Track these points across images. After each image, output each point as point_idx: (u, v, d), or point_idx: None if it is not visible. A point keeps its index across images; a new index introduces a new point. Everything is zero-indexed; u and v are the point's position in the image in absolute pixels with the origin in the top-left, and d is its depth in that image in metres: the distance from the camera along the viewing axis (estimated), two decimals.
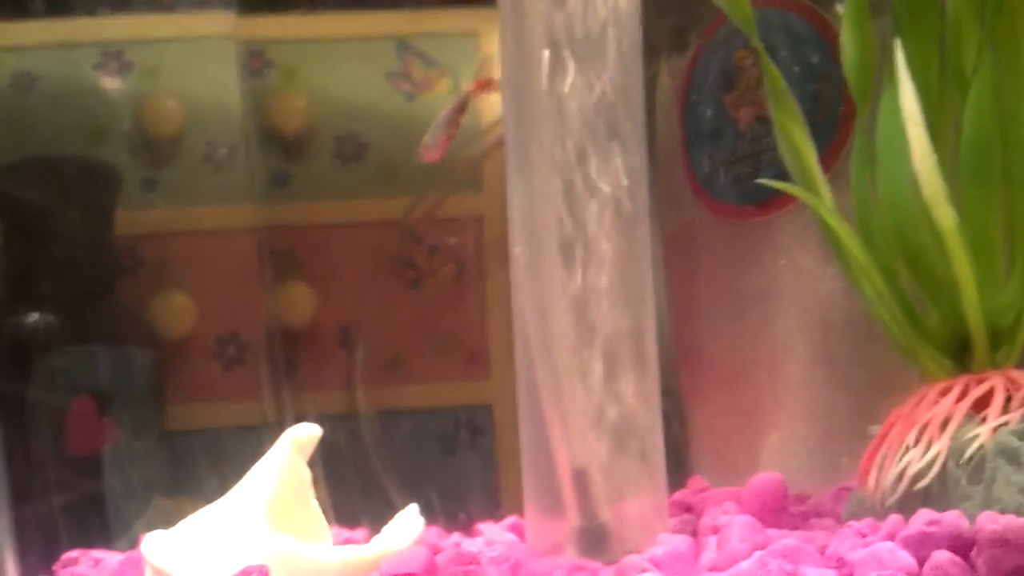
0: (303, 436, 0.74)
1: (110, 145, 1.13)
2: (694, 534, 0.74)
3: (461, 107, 0.96)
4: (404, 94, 1.21)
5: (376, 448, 1.17)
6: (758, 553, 0.62)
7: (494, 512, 0.87)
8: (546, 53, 0.69)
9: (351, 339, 1.19)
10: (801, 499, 0.84)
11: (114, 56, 1.14)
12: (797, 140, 0.75)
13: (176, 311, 1.14)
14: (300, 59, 1.20)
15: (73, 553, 0.86)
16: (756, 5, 0.77)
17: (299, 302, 1.19)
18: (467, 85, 0.98)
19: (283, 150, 1.20)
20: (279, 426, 1.06)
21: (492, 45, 1.21)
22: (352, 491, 1.13)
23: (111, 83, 1.14)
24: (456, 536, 0.83)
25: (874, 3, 0.79)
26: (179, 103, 1.15)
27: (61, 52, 1.13)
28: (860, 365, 0.91)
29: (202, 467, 1.11)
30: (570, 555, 0.70)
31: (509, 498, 1.17)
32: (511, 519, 0.83)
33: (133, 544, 0.85)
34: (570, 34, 0.69)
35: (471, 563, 0.69)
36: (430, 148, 0.97)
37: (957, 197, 0.69)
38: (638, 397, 0.71)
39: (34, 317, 1.06)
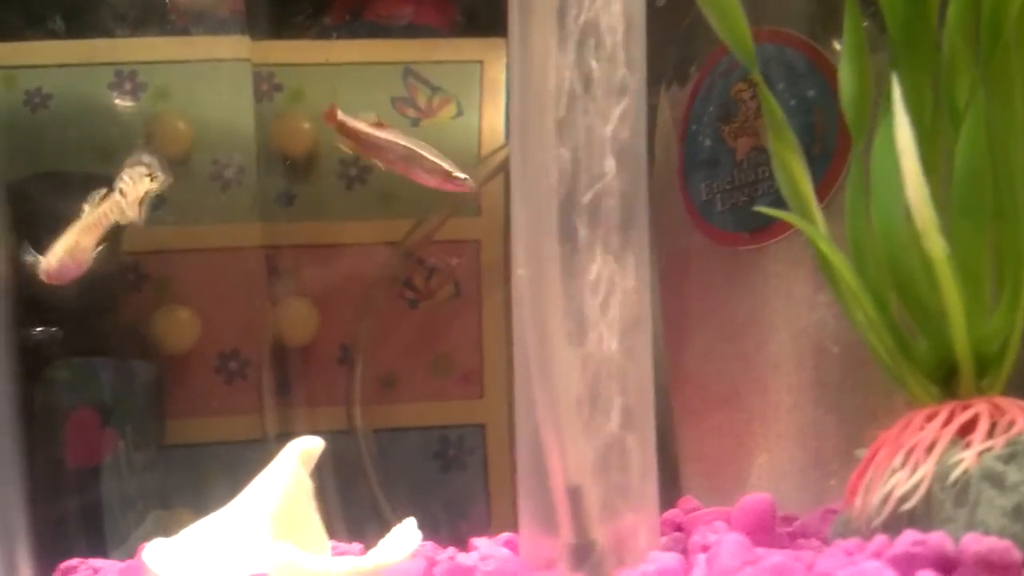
0: (308, 448, 0.76)
1: (120, 162, 1.15)
2: (684, 552, 0.75)
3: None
4: (409, 119, 1.23)
5: (371, 464, 1.18)
6: (748, 569, 0.64)
7: (485, 530, 0.88)
8: (553, 85, 0.71)
9: (350, 357, 1.20)
10: (788, 520, 0.85)
11: (128, 77, 1.16)
12: (794, 169, 0.76)
13: (179, 326, 1.15)
14: (307, 83, 1.22)
15: (72, 561, 0.86)
16: (756, 40, 0.79)
17: (301, 320, 1.20)
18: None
19: (288, 171, 1.21)
20: (278, 441, 1.08)
21: (497, 72, 1.23)
22: (347, 506, 1.14)
23: (123, 102, 1.15)
24: (451, 550, 0.85)
25: (870, 40, 0.82)
26: (188, 124, 1.16)
27: (76, 71, 1.14)
28: (850, 390, 0.92)
29: (201, 480, 1.11)
30: (563, 571, 0.71)
31: (500, 516, 1.18)
32: (506, 535, 0.85)
33: (130, 555, 0.86)
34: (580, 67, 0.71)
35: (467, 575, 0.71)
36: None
37: (948, 228, 0.70)
38: (633, 417, 0.73)
39: (38, 329, 1.07)
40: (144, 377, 1.13)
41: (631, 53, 0.72)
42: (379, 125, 0.99)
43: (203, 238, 1.16)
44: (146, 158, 0.98)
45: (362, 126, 0.99)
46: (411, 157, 0.99)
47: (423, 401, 1.22)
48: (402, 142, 0.99)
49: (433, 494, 1.20)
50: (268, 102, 1.20)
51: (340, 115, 0.99)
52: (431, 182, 0.99)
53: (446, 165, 0.98)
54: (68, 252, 0.93)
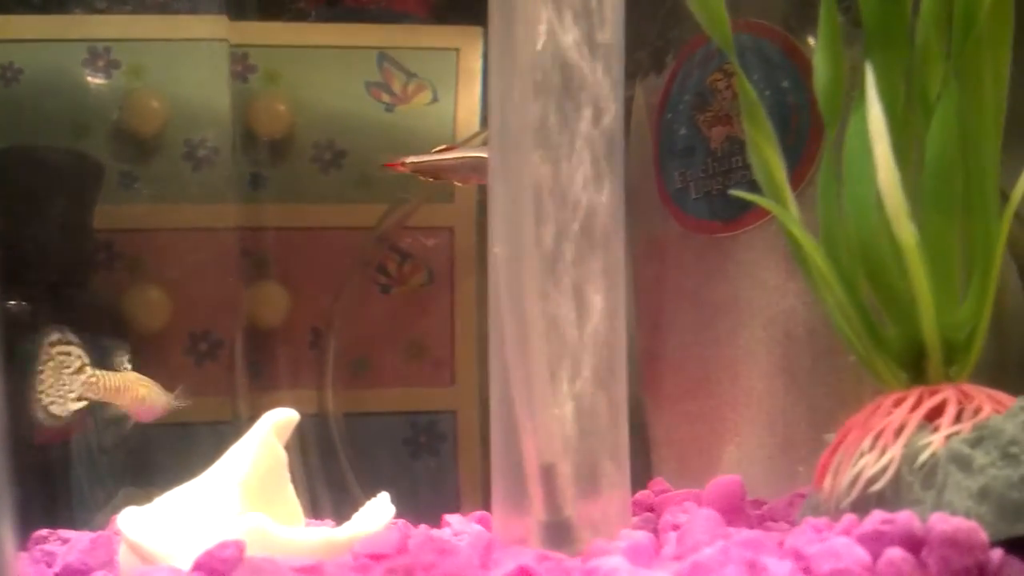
0: (281, 419, 0.76)
1: (91, 139, 1.14)
2: (655, 532, 0.76)
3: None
4: (383, 105, 1.23)
5: (342, 448, 1.18)
6: (720, 543, 0.64)
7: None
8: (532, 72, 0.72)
9: (322, 341, 1.20)
10: (757, 504, 0.86)
11: (101, 54, 1.15)
12: (768, 156, 0.77)
13: (150, 305, 1.15)
14: (283, 65, 1.22)
15: (42, 531, 0.86)
16: (732, 30, 0.80)
17: (272, 302, 1.20)
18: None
19: (262, 153, 1.21)
20: (248, 423, 1.08)
21: (473, 61, 1.24)
22: (317, 489, 1.14)
23: (96, 79, 1.15)
24: (424, 527, 0.85)
25: (844, 35, 0.83)
26: (162, 102, 1.16)
27: (49, 46, 1.14)
28: (819, 378, 0.93)
29: (171, 460, 1.11)
30: (535, 547, 0.71)
31: (469, 503, 1.19)
32: (479, 513, 0.85)
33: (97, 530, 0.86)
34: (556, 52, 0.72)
35: (442, 546, 0.71)
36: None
37: (919, 218, 0.72)
38: (607, 399, 0.73)
39: (10, 303, 1.06)
40: (115, 355, 1.12)
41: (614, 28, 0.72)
42: (447, 149, 0.98)
43: (176, 217, 1.15)
44: (69, 335, 0.96)
45: (428, 157, 0.98)
46: (480, 166, 0.97)
47: (394, 386, 1.22)
48: (470, 153, 0.98)
49: (403, 479, 1.20)
50: (242, 83, 1.20)
51: (409, 159, 0.98)
52: None
53: None
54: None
